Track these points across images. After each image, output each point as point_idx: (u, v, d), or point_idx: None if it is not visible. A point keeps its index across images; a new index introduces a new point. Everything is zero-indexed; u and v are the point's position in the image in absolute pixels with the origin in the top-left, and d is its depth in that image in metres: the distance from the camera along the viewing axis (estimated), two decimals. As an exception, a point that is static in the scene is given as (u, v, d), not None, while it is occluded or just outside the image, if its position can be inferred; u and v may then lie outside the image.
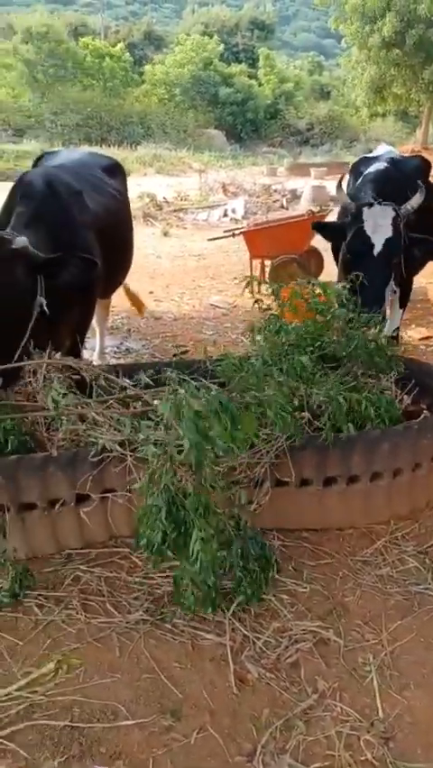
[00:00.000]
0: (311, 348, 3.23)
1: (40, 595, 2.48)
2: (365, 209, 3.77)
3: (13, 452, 2.66)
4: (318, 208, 8.43)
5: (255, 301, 3.69)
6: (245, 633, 2.34)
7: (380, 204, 3.77)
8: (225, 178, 17.48)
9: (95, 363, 4.11)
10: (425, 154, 7.74)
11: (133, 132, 29.83)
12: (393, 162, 4.34)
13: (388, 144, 6.32)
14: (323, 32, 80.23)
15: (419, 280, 6.08)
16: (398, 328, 4.85)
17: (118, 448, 2.59)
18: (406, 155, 5.73)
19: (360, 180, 4.27)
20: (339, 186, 4.28)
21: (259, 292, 6.20)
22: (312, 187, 14.74)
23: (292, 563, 2.74)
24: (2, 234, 2.85)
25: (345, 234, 3.89)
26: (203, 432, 2.09)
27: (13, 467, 2.54)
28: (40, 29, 33.47)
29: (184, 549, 2.22)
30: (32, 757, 1.88)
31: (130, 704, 2.07)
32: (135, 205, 12.87)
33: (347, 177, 4.81)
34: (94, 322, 4.68)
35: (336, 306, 3.39)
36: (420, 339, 5.66)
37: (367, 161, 4.68)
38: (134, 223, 5.04)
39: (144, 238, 10.69)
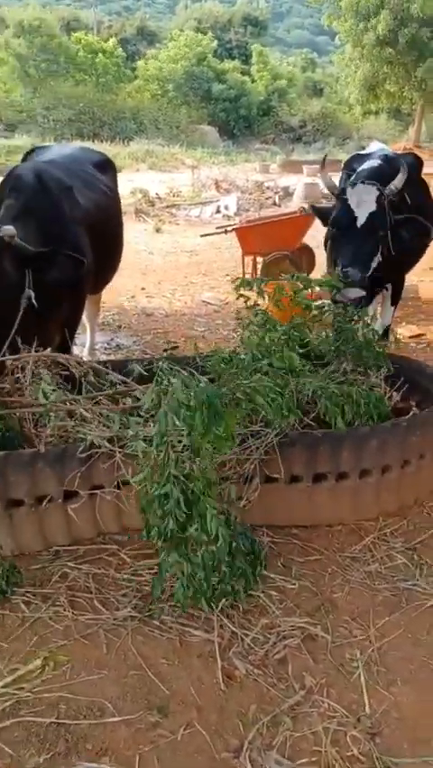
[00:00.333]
0: (299, 344, 3.23)
1: (27, 592, 2.47)
2: (349, 188, 3.87)
3: (0, 447, 2.64)
4: (310, 205, 8.42)
5: (239, 296, 3.68)
6: (234, 629, 2.34)
7: (363, 182, 3.85)
8: (218, 174, 17.45)
9: (85, 359, 4.11)
10: (417, 152, 7.75)
11: (125, 127, 29.70)
12: (386, 159, 4.35)
13: (380, 142, 6.32)
14: (316, 28, 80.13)
15: (411, 278, 6.08)
16: (389, 325, 4.87)
17: (107, 444, 2.58)
18: (398, 152, 5.73)
19: (353, 177, 4.27)
20: (323, 165, 4.36)
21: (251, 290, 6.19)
22: (305, 184, 14.74)
23: (281, 560, 2.74)
24: None
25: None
26: (189, 420, 2.09)
27: (0, 463, 2.53)
28: (32, 23, 33.24)
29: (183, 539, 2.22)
30: (17, 754, 1.87)
31: (117, 701, 2.06)
32: (128, 200, 12.85)
33: (323, 160, 4.88)
34: (84, 317, 4.67)
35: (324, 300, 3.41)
36: (411, 336, 5.67)
37: (360, 158, 4.69)
38: (126, 219, 5.03)
39: (136, 234, 10.66)
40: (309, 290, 3.52)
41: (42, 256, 2.94)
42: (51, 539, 2.70)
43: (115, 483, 2.63)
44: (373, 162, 4.29)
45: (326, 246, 4.40)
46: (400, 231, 3.91)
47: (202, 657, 2.24)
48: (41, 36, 32.87)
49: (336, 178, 4.65)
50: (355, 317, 3.40)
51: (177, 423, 2.06)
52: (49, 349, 3.53)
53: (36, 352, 2.87)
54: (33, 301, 2.93)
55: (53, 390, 2.60)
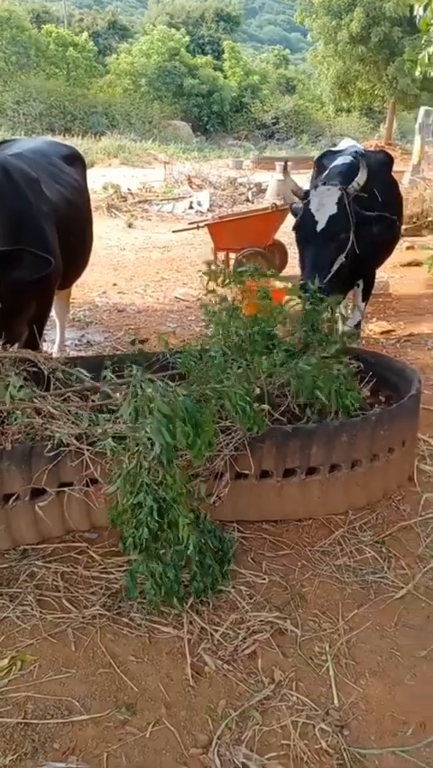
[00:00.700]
0: (268, 339, 3.23)
1: (-6, 592, 2.44)
2: (312, 190, 3.88)
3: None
4: (283, 201, 8.45)
5: (209, 291, 3.68)
6: (203, 625, 2.34)
7: (325, 185, 3.87)
8: (191, 170, 17.37)
9: (54, 356, 4.06)
10: (388, 150, 7.82)
11: (97, 122, 29.41)
12: (358, 156, 4.37)
13: (352, 139, 6.36)
14: (289, 25, 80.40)
15: (380, 274, 6.14)
16: (360, 321, 4.90)
17: (75, 442, 2.55)
18: (369, 149, 5.78)
19: (326, 173, 4.29)
20: (285, 170, 4.37)
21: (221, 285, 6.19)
22: (277, 180, 14.75)
23: (251, 555, 2.74)
24: None
25: None
26: (171, 434, 2.08)
27: (-35, 461, 2.49)
28: (1, 14, 32.69)
29: (157, 543, 2.21)
30: (-17, 756, 1.85)
31: (85, 699, 2.05)
32: (100, 196, 12.76)
33: (285, 165, 4.90)
34: (53, 313, 4.61)
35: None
36: (381, 332, 5.72)
37: (331, 155, 4.72)
38: (98, 214, 4.99)
39: (108, 229, 10.58)
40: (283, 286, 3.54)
41: (5, 254, 2.88)
42: (19, 537, 2.67)
43: (84, 481, 2.60)
44: (346, 159, 4.31)
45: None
46: (369, 228, 3.93)
47: (171, 654, 2.23)
48: (10, 28, 32.33)
49: (309, 176, 4.67)
50: (324, 311, 3.40)
51: (166, 437, 2.05)
52: (16, 345, 3.49)
53: (3, 348, 2.82)
54: None
55: (20, 387, 2.55)
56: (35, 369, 2.95)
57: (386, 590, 2.58)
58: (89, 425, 2.62)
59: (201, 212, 12.64)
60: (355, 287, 4.63)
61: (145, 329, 5.89)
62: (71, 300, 5.50)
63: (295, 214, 4.11)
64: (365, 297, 4.84)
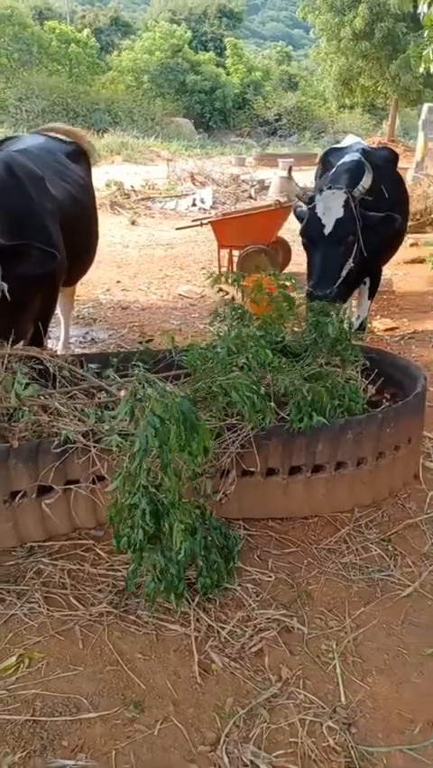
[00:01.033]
0: (275, 340, 3.23)
1: (1, 589, 2.44)
2: (317, 194, 3.84)
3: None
4: (286, 198, 8.44)
5: (218, 290, 3.69)
6: (210, 623, 2.34)
7: (330, 188, 3.83)
8: (194, 167, 17.35)
9: (59, 353, 4.06)
10: (391, 146, 7.79)
11: (99, 119, 29.37)
12: (365, 153, 4.35)
13: (355, 135, 6.33)
14: (291, 21, 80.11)
15: (384, 272, 6.13)
16: (365, 318, 4.89)
17: (81, 439, 2.55)
18: (374, 146, 5.76)
19: (333, 171, 4.26)
20: (289, 175, 4.33)
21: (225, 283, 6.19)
22: (280, 177, 14.74)
23: (258, 552, 2.74)
24: None
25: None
26: (162, 437, 2.07)
27: (-28, 459, 2.49)
28: (3, 11, 32.62)
29: (155, 542, 2.20)
30: (-8, 753, 1.85)
31: (93, 697, 2.05)
32: (103, 193, 12.74)
33: (289, 169, 4.85)
34: (58, 311, 4.61)
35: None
36: (385, 330, 5.71)
37: (337, 152, 4.69)
38: (102, 211, 4.98)
39: (112, 227, 10.57)
40: (289, 284, 3.53)
41: (11, 249, 2.88)
42: (26, 535, 2.67)
43: (91, 478, 2.61)
44: (354, 156, 4.28)
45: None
46: (376, 228, 3.90)
47: (179, 651, 2.23)
48: (13, 25, 32.26)
49: (313, 173, 4.65)
50: (331, 312, 3.40)
51: (151, 441, 2.04)
52: (22, 342, 3.50)
53: (9, 345, 2.82)
54: (6, 293, 2.87)
55: (27, 384, 2.56)
56: (41, 366, 2.95)
57: (392, 588, 2.58)
58: (96, 421, 2.63)
59: (204, 209, 12.63)
60: (362, 284, 4.61)
61: (149, 326, 5.90)
62: (75, 298, 5.50)
63: (300, 219, 4.07)
64: (372, 295, 4.83)
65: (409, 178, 11.72)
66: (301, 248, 4.14)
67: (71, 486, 2.62)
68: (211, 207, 12.69)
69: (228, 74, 36.87)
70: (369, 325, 5.40)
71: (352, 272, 3.88)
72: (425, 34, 7.04)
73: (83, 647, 2.22)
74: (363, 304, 4.82)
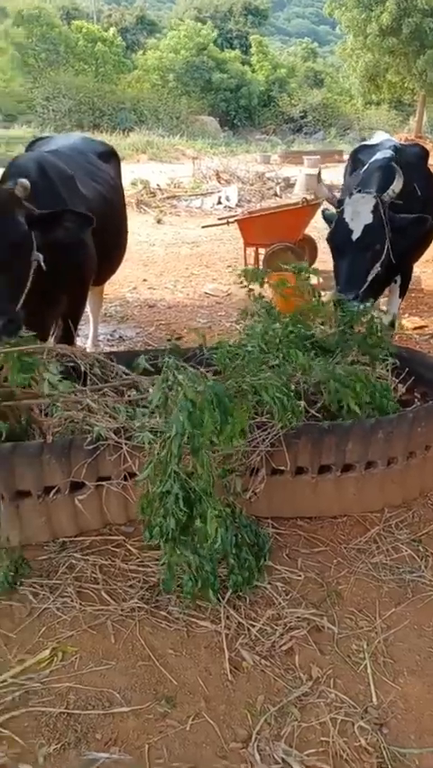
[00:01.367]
0: (304, 335, 3.22)
1: (34, 583, 2.48)
2: (346, 198, 3.78)
3: (10, 438, 2.64)
4: (313, 196, 8.40)
5: (248, 290, 3.68)
6: (240, 620, 2.35)
7: (360, 192, 3.78)
8: (219, 165, 17.34)
9: (88, 351, 4.10)
10: (419, 143, 7.71)
11: (125, 118, 29.52)
12: (397, 150, 4.30)
13: (384, 132, 6.28)
14: (317, 18, 79.66)
15: (414, 269, 6.07)
16: (395, 316, 4.85)
17: (113, 436, 2.58)
18: (404, 143, 5.70)
19: (364, 170, 4.21)
20: (319, 178, 4.28)
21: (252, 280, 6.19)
22: (306, 175, 14.67)
23: (287, 551, 2.74)
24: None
25: None
26: (195, 421, 2.08)
27: (8, 454, 2.53)
28: (31, 12, 32.96)
29: (187, 535, 2.22)
30: (27, 744, 1.88)
31: (125, 691, 2.07)
32: (128, 192, 12.75)
33: (318, 173, 4.78)
34: (87, 309, 4.65)
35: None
36: (414, 328, 5.66)
37: (368, 150, 4.63)
38: (128, 210, 5.00)
39: (138, 225, 10.61)
40: (316, 280, 3.52)
41: (48, 217, 2.97)
42: (58, 530, 2.71)
43: (122, 475, 2.63)
44: (386, 153, 4.21)
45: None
46: (407, 230, 3.82)
47: (209, 648, 2.25)
48: (40, 25, 32.60)
49: (339, 170, 4.61)
50: (361, 309, 3.38)
51: (185, 424, 2.05)
52: (51, 339, 3.54)
53: (40, 335, 2.88)
54: (42, 264, 2.93)
55: (60, 381, 2.59)
56: (72, 363, 2.99)
57: (423, 589, 2.57)
58: (127, 418, 2.65)
59: (230, 207, 12.61)
60: (393, 282, 4.56)
61: (176, 324, 5.92)
62: (103, 296, 5.53)
63: (328, 222, 4.02)
64: (402, 293, 4.78)
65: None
66: (328, 245, 4.09)
67: (103, 482, 2.65)
68: (236, 205, 12.66)
69: (253, 71, 36.75)
70: (398, 323, 5.35)
71: (380, 275, 3.84)
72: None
73: (115, 642, 2.25)
74: (394, 302, 4.78)
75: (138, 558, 2.63)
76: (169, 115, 30.57)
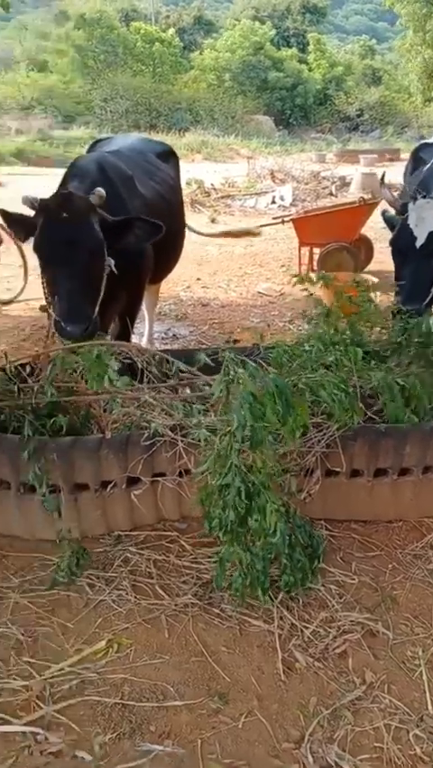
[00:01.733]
0: (360, 341, 3.19)
1: (91, 575, 2.53)
2: (410, 203, 3.67)
3: (70, 432, 2.70)
4: (370, 195, 8.29)
5: (303, 289, 3.66)
6: (293, 621, 2.34)
7: (424, 197, 3.67)
8: (273, 164, 17.29)
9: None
10: None
11: (181, 118, 29.75)
12: None
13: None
14: (375, 14, 78.47)
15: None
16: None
17: (170, 432, 2.61)
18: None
19: (427, 167, 4.11)
20: (382, 182, 4.17)
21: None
22: (362, 174, 14.49)
23: (341, 554, 2.72)
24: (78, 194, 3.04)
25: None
26: (257, 414, 2.09)
27: (67, 448, 2.59)
28: (93, 15, 33.58)
29: (244, 528, 2.22)
30: (83, 731, 1.92)
31: (179, 685, 2.09)
32: (183, 191, 12.88)
33: (381, 176, 4.66)
34: (143, 307, 4.71)
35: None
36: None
37: (429, 148, 4.52)
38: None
39: (192, 225, 10.68)
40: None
41: (121, 224, 3.06)
42: (113, 524, 2.75)
43: (177, 471, 2.66)
44: None
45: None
46: None
47: (262, 647, 2.24)
48: (101, 27, 33.18)
49: (396, 169, 4.51)
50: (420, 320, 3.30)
51: (248, 415, 2.06)
52: (109, 336, 3.61)
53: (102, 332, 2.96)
54: (114, 269, 3.01)
55: (119, 377, 2.64)
56: (129, 360, 3.03)
57: None
58: (184, 416, 2.67)
59: (284, 206, 12.55)
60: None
61: (229, 323, 5.93)
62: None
63: (389, 224, 3.93)
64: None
65: None
66: (384, 245, 3.98)
67: (158, 478, 2.69)
68: (291, 204, 12.61)
69: (310, 70, 36.49)
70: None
71: None
72: None
73: (168, 636, 2.27)
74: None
75: (192, 555, 2.65)
76: (224, 115, 30.66)
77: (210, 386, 2.76)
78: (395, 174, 7.99)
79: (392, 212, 3.89)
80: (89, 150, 4.49)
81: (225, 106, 31.42)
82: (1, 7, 7.80)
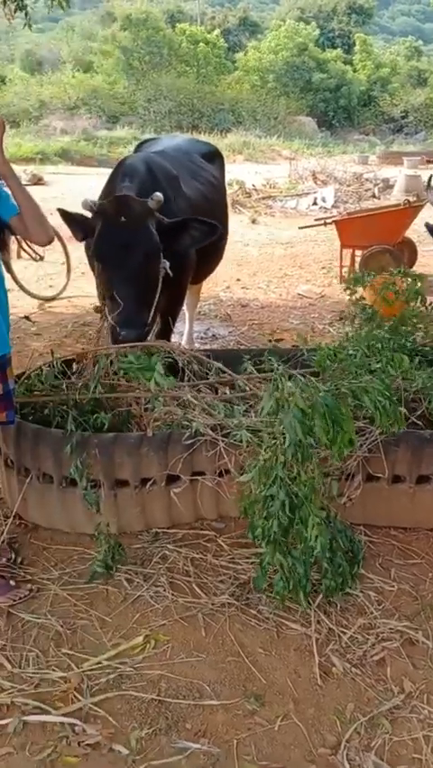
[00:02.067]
0: (405, 343, 3.14)
1: (129, 570, 2.55)
2: None
3: (111, 429, 2.73)
4: (414, 198, 8.17)
5: (346, 289, 3.63)
6: (331, 626, 2.32)
7: None
8: (316, 165, 17.17)
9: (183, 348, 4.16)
10: None
11: (223, 119, 29.77)
12: None
13: None
14: (423, 15, 77.24)
15: None
16: None
17: (210, 432, 2.61)
18: None
19: None
20: (429, 185, 4.10)
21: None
22: (406, 176, 14.28)
23: (380, 560, 2.69)
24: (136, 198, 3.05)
25: None
26: (305, 429, 2.08)
27: (109, 444, 2.61)
28: (139, 16, 33.86)
29: (286, 536, 2.22)
30: (120, 725, 1.94)
31: (215, 685, 2.09)
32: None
33: (429, 180, 4.58)
34: (184, 307, 4.73)
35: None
36: None
37: None
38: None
39: (232, 225, 10.60)
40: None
41: (177, 225, 3.08)
42: (152, 521, 2.77)
43: (217, 471, 2.66)
44: None
45: None
46: None
47: (299, 651, 2.23)
48: (146, 29, 33.43)
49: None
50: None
51: (298, 433, 2.06)
52: (152, 336, 3.63)
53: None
54: (169, 271, 3.03)
55: (164, 376, 2.65)
56: (170, 359, 3.05)
57: None
58: (225, 416, 2.68)
59: (325, 208, 12.47)
60: None
61: (268, 325, 5.92)
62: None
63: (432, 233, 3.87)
64: None
65: None
66: (428, 248, 3.93)
67: (198, 477, 2.69)
68: (333, 206, 12.51)
69: (355, 71, 36.11)
70: None
71: None
72: None
73: (205, 635, 2.28)
74: None
75: (229, 554, 2.65)
76: (266, 116, 30.56)
77: (245, 386, 2.77)
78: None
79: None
80: (136, 151, 4.53)
81: (268, 107, 31.29)
82: (59, 6, 7.92)
